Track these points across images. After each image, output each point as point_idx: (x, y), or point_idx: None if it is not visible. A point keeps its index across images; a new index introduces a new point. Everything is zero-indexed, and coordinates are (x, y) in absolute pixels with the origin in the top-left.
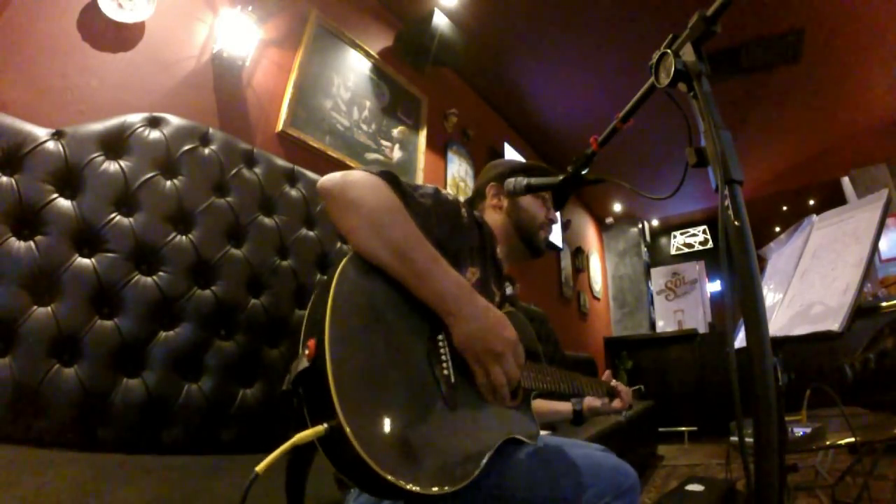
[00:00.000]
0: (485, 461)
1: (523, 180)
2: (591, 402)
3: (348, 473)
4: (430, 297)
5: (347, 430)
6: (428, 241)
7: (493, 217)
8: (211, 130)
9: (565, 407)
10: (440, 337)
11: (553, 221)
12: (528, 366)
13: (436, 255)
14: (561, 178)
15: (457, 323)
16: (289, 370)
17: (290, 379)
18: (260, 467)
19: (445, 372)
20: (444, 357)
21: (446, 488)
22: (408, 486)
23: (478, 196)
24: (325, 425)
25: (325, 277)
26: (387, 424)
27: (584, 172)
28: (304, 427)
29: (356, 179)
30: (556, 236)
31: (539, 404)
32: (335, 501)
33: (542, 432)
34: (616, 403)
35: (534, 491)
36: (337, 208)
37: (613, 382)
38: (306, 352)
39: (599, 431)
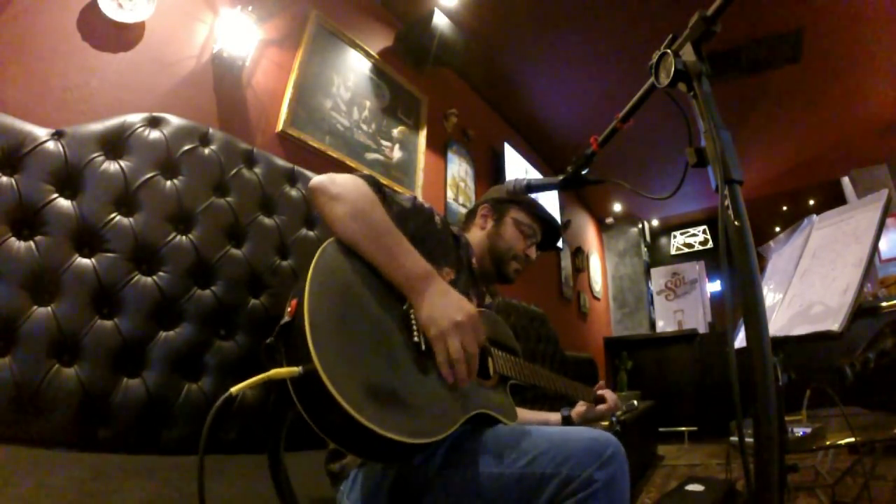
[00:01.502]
0: (458, 424)
1: (524, 180)
2: (579, 408)
3: (319, 419)
4: (397, 275)
5: (321, 370)
6: (401, 233)
7: (475, 234)
8: (211, 130)
9: (553, 417)
10: (410, 306)
11: (529, 259)
12: (502, 354)
13: (406, 242)
14: (561, 178)
15: (421, 300)
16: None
17: (273, 333)
18: (235, 389)
19: (416, 339)
20: (414, 326)
21: (412, 440)
22: (379, 430)
23: (470, 213)
24: (301, 368)
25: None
26: (359, 371)
27: (584, 172)
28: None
29: (342, 178)
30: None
31: (527, 414)
32: (328, 498)
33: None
34: (601, 407)
35: (512, 467)
36: (323, 201)
37: (600, 391)
38: (288, 309)
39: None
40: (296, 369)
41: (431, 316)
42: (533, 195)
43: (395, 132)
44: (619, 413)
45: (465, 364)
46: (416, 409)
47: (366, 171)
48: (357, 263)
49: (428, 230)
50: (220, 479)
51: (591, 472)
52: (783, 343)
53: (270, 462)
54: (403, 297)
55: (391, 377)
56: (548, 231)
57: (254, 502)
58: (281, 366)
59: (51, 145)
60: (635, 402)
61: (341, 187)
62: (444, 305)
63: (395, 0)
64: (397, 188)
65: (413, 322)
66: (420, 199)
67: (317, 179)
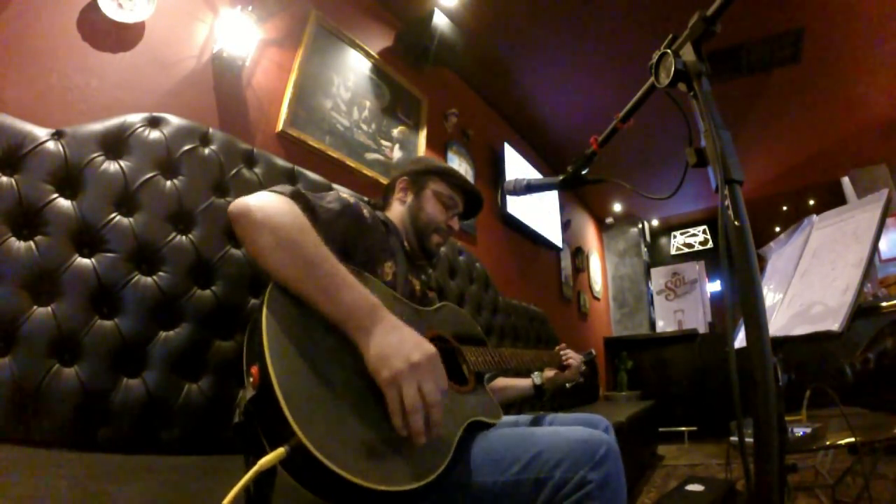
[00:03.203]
0: (451, 451)
1: (523, 180)
2: (548, 373)
3: (319, 489)
4: (338, 313)
5: (309, 445)
6: (336, 258)
7: (396, 210)
8: (211, 130)
9: (525, 383)
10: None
11: (451, 230)
12: (474, 350)
13: (344, 272)
14: (561, 178)
15: (368, 339)
16: (237, 404)
17: (240, 410)
18: (225, 502)
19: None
20: None
21: (420, 482)
22: (381, 487)
23: (389, 187)
24: (286, 447)
25: (258, 304)
26: (345, 432)
27: (584, 172)
28: (264, 452)
29: (263, 202)
30: (555, 236)
31: (499, 383)
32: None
33: (524, 417)
34: (568, 374)
35: (506, 475)
36: (245, 231)
37: (563, 353)
38: (251, 380)
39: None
40: (281, 451)
41: (381, 356)
42: (532, 195)
43: (395, 132)
44: (581, 373)
45: (421, 414)
46: (412, 450)
47: (292, 187)
48: (307, 306)
49: (360, 228)
50: (220, 479)
51: (584, 474)
52: (783, 343)
53: None
54: None
55: (377, 425)
56: (469, 200)
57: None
58: (259, 443)
59: (51, 145)
60: (593, 352)
61: (263, 211)
62: (397, 343)
63: (395, 0)
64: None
65: None
66: (345, 193)
67: (235, 203)
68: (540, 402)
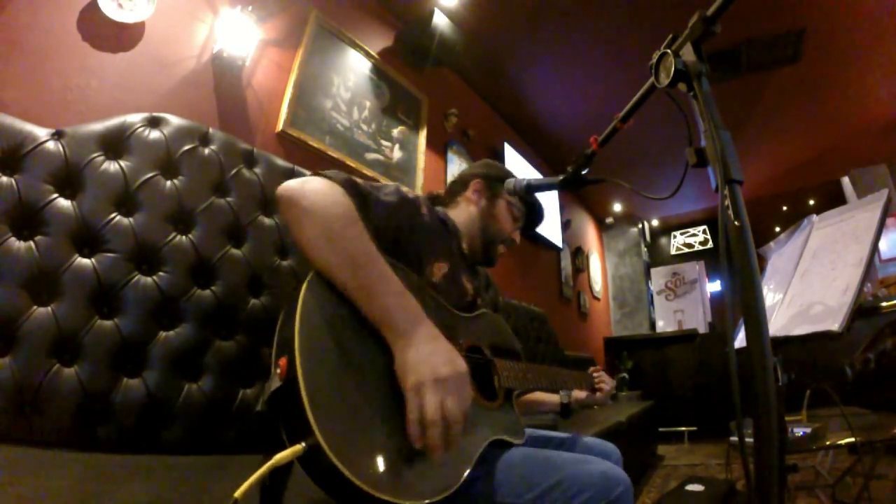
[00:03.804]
0: (469, 468)
1: (524, 180)
2: (578, 394)
3: (331, 490)
4: (377, 314)
5: (325, 447)
6: (382, 258)
7: (465, 210)
8: (211, 130)
9: (553, 399)
10: None
11: (514, 242)
12: (507, 364)
13: (388, 273)
14: (561, 178)
15: (403, 344)
16: (262, 391)
17: (263, 399)
18: (238, 493)
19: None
20: None
21: (431, 499)
22: (390, 499)
23: (459, 183)
24: (304, 444)
25: (293, 296)
26: (365, 438)
27: (584, 172)
28: (281, 447)
29: (313, 187)
30: (555, 236)
31: (527, 397)
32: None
33: (543, 432)
34: (598, 396)
35: (522, 497)
36: (292, 217)
37: (595, 376)
38: (278, 371)
39: (598, 432)
40: (299, 448)
41: (410, 363)
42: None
43: (395, 132)
44: (612, 398)
45: (440, 429)
46: (430, 464)
47: (344, 174)
48: (345, 303)
49: (414, 225)
50: (220, 479)
51: None
52: (783, 343)
53: None
54: None
55: (399, 436)
56: (530, 214)
57: (254, 502)
58: (278, 435)
59: (51, 145)
60: (625, 377)
61: (313, 199)
62: (429, 353)
63: (395, 0)
64: (384, 180)
65: None
66: (405, 188)
67: (285, 186)
68: (565, 421)
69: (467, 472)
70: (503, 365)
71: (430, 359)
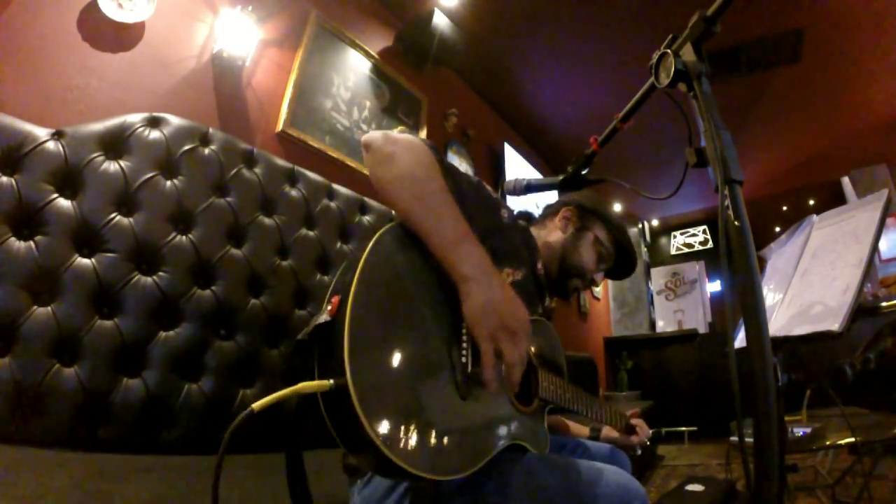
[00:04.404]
0: (485, 460)
1: (523, 180)
2: (609, 432)
3: (344, 436)
4: (449, 257)
5: (352, 389)
6: (458, 208)
7: (551, 234)
8: (211, 130)
9: (582, 431)
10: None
11: (593, 283)
12: (550, 377)
13: (463, 221)
14: (561, 178)
15: (473, 290)
16: (307, 323)
17: (307, 330)
18: (257, 405)
19: (464, 359)
20: (465, 343)
21: (435, 476)
22: (399, 462)
23: (552, 207)
24: (332, 381)
25: (363, 243)
26: (395, 395)
27: (584, 172)
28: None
29: (400, 137)
30: None
31: (556, 420)
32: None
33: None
34: (633, 439)
35: (537, 502)
36: (375, 160)
37: (634, 421)
38: (328, 307)
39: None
40: (326, 383)
41: (481, 312)
42: (532, 195)
43: (396, 132)
44: (647, 443)
45: (519, 368)
46: (448, 442)
47: (428, 141)
48: (413, 257)
49: (493, 221)
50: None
51: None
52: (783, 343)
53: (288, 469)
54: (456, 311)
55: (428, 403)
56: (620, 260)
57: (261, 501)
58: (311, 367)
59: (51, 145)
60: (662, 432)
61: (396, 147)
62: (499, 303)
63: (395, 0)
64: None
65: (464, 337)
66: (488, 186)
67: (370, 134)
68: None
69: (479, 465)
70: (545, 376)
71: (501, 307)
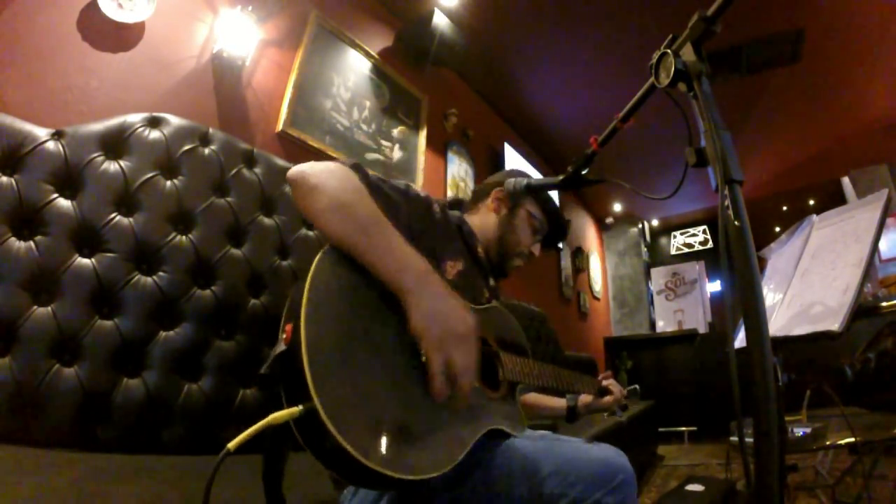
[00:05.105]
0: (465, 451)
1: (523, 180)
2: (585, 398)
3: (325, 459)
4: (388, 272)
5: (322, 411)
6: (390, 224)
7: (484, 218)
8: (211, 130)
9: (559, 403)
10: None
11: (532, 256)
12: (513, 358)
13: (396, 234)
14: (561, 178)
15: (415, 301)
16: (267, 357)
17: (268, 364)
18: (232, 444)
19: (424, 359)
20: None
21: (420, 475)
22: (381, 469)
23: (481, 192)
24: (301, 407)
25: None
26: (363, 407)
27: (584, 172)
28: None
29: (322, 166)
30: None
31: (532, 398)
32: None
33: (542, 432)
34: (607, 399)
35: (521, 487)
36: (301, 194)
37: (606, 383)
38: (283, 336)
39: (599, 431)
40: (296, 410)
41: (428, 318)
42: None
43: (395, 132)
44: (623, 408)
45: (469, 378)
46: (425, 441)
47: (349, 162)
48: (355, 274)
49: (426, 221)
50: (220, 479)
51: (599, 497)
52: (783, 343)
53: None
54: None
55: (398, 408)
56: (554, 228)
57: (253, 503)
58: (279, 398)
59: (51, 145)
60: (637, 388)
61: (320, 177)
62: (445, 309)
63: (395, 0)
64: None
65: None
66: (415, 187)
67: (294, 169)
68: (569, 425)
69: (459, 458)
70: (508, 358)
71: (446, 316)
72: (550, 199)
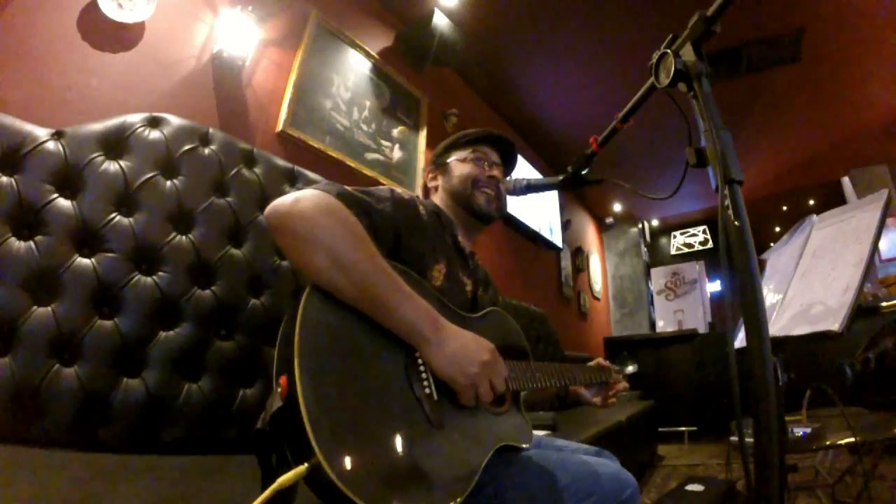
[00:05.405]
0: (478, 475)
1: (523, 180)
2: (576, 388)
3: None
4: (401, 327)
5: (328, 468)
6: (393, 270)
7: (440, 197)
8: (211, 130)
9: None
10: (418, 354)
11: (494, 178)
12: (515, 365)
13: (401, 284)
14: (561, 178)
15: (433, 349)
16: (265, 408)
17: (265, 419)
18: None
19: (427, 390)
20: (423, 374)
21: None
22: None
23: (424, 186)
24: (307, 465)
25: (291, 310)
26: (370, 456)
27: (584, 172)
28: (286, 464)
29: (306, 204)
30: (556, 236)
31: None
32: None
33: (541, 433)
34: (619, 386)
35: (535, 501)
36: (290, 244)
37: (605, 363)
38: (279, 389)
39: (599, 432)
40: (301, 469)
41: (456, 364)
42: (532, 195)
43: (395, 132)
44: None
45: (491, 395)
46: (437, 474)
47: (337, 185)
48: (347, 310)
49: (412, 227)
50: (220, 479)
51: None
52: (783, 343)
53: None
54: (403, 345)
55: (404, 446)
56: (500, 148)
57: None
58: (281, 455)
59: (51, 145)
60: (630, 368)
61: (307, 224)
62: (464, 348)
63: (395, 0)
64: (385, 180)
65: (422, 371)
66: (399, 190)
67: (274, 209)
68: (575, 429)
69: (473, 482)
70: (511, 366)
71: (467, 354)
72: (467, 132)
